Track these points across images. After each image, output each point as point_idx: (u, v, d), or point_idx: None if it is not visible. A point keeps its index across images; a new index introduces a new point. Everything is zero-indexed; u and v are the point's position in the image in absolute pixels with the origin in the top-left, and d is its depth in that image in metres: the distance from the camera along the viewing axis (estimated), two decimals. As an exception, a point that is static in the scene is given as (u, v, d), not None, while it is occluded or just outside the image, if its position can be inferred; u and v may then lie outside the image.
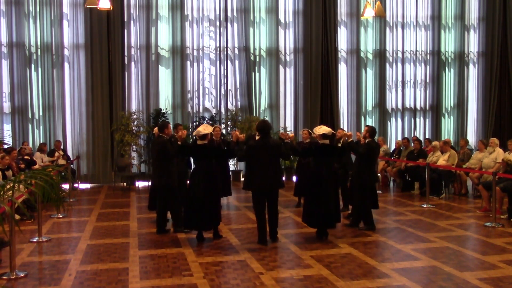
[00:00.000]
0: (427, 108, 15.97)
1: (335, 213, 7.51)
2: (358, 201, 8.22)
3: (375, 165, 8.48)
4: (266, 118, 14.51)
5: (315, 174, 7.50)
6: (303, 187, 9.86)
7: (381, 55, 15.46)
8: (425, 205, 10.25)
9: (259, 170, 7.20)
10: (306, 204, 7.62)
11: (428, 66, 15.90)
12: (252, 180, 7.29)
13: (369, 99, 15.57)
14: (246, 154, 7.38)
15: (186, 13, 14.32)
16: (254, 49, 14.71)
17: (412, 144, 12.90)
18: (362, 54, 15.40)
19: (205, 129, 7.45)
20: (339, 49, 15.21)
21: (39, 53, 13.62)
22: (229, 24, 14.60)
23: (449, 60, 16.01)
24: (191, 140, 10.38)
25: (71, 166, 12.97)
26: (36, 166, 10.83)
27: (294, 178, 11.54)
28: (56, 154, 12.60)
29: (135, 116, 13.60)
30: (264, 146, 7.22)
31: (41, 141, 13.37)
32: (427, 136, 15.52)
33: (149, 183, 10.05)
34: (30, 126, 13.67)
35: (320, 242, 7.37)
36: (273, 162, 7.26)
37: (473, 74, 16.28)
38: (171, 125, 9.02)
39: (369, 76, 15.54)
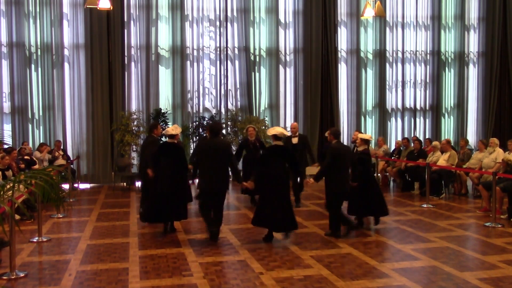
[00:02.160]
0: (427, 108, 15.97)
1: (286, 218, 7.18)
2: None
3: (343, 170, 7.54)
4: (266, 118, 14.55)
5: (267, 175, 7.26)
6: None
7: (381, 55, 15.46)
8: (425, 205, 10.25)
9: (207, 172, 7.17)
10: (258, 205, 7.39)
11: (428, 66, 15.91)
12: (200, 182, 7.30)
13: (369, 99, 15.57)
14: (196, 155, 7.50)
15: (186, 13, 14.32)
16: (254, 49, 14.71)
17: (412, 144, 12.90)
18: (362, 54, 15.40)
19: (173, 129, 7.76)
20: (339, 49, 15.21)
21: (39, 53, 13.62)
22: (229, 24, 14.60)
23: (449, 60, 16.01)
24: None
25: (71, 166, 12.97)
26: (36, 166, 10.83)
27: None
28: (57, 153, 12.58)
29: (135, 116, 13.61)
30: (212, 147, 7.20)
31: (41, 141, 13.36)
32: (427, 136, 15.52)
33: None
34: (30, 126, 13.67)
35: (321, 242, 7.36)
36: (220, 164, 7.18)
37: (473, 74, 16.28)
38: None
39: (369, 76, 15.54)
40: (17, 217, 8.24)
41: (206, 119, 14.19)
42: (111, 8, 10.67)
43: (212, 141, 7.35)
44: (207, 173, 7.22)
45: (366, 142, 8.36)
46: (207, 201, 7.35)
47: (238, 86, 14.73)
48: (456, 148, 12.98)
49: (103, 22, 13.71)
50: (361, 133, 8.67)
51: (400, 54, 15.72)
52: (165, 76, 14.39)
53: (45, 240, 7.61)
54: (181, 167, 7.76)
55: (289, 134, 7.61)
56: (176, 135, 7.82)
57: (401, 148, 13.28)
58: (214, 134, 7.37)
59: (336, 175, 7.47)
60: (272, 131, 7.44)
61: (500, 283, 5.62)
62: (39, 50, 13.62)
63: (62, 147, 13.22)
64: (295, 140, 10.13)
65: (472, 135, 16.25)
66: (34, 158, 11.56)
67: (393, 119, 15.80)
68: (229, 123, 14.47)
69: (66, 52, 13.83)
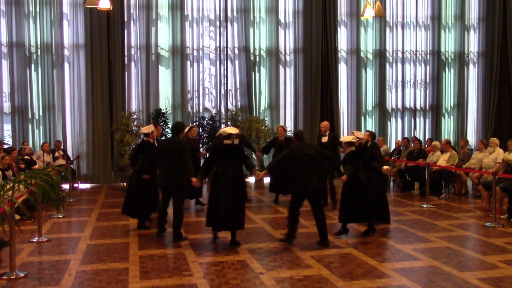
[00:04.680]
0: (427, 108, 15.97)
1: (236, 216, 7.09)
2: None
3: (300, 170, 7.13)
4: (266, 118, 14.56)
5: (215, 174, 7.29)
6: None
7: (381, 55, 15.45)
8: (425, 205, 10.25)
9: (164, 167, 7.64)
10: (208, 205, 7.40)
11: (428, 66, 15.90)
12: (159, 176, 7.84)
13: (369, 99, 15.57)
14: (157, 153, 7.85)
15: (186, 13, 14.32)
16: (254, 49, 14.71)
17: (412, 144, 12.90)
18: (362, 54, 15.40)
19: (147, 128, 8.50)
20: (339, 49, 15.20)
21: (39, 53, 13.61)
22: (229, 24, 14.59)
23: (449, 60, 16.00)
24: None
25: (71, 166, 12.97)
26: (36, 166, 10.82)
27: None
28: (57, 154, 12.58)
29: (135, 116, 13.61)
30: (170, 144, 7.63)
31: (41, 141, 13.37)
32: (427, 136, 15.53)
33: None
34: (30, 126, 13.67)
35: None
36: (176, 160, 7.50)
37: (473, 74, 16.28)
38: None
39: (369, 76, 15.54)
40: (17, 217, 8.23)
41: (206, 119, 14.19)
42: (111, 8, 10.66)
43: (171, 139, 7.78)
44: (165, 169, 7.65)
45: (351, 144, 7.81)
46: (163, 198, 7.77)
47: (238, 86, 14.72)
48: (456, 148, 12.98)
49: (103, 22, 13.71)
50: (358, 132, 8.39)
51: (400, 54, 15.71)
52: (165, 76, 14.38)
53: (45, 240, 7.61)
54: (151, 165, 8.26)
55: (237, 131, 7.58)
56: (149, 134, 8.40)
57: (401, 148, 13.28)
58: (175, 132, 7.78)
59: (296, 175, 7.19)
60: (220, 130, 7.58)
61: (500, 283, 5.62)
62: (39, 50, 13.61)
63: (62, 147, 13.22)
64: (324, 139, 9.82)
65: (472, 135, 16.24)
66: (34, 158, 11.57)
67: (393, 119, 15.80)
68: (229, 123, 14.46)
69: (66, 52, 13.83)
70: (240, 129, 11.98)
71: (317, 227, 7.29)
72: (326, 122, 10.51)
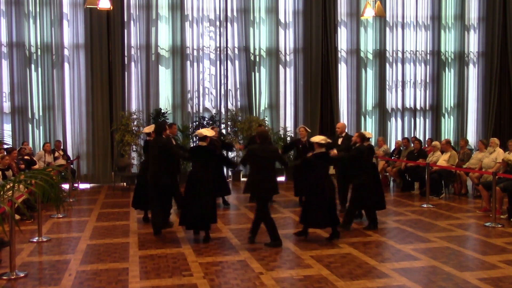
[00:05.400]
0: (427, 108, 15.97)
1: (209, 214, 7.37)
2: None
3: (257, 173, 7.23)
4: (266, 118, 14.56)
5: (191, 175, 7.51)
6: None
7: (381, 55, 15.46)
8: (425, 205, 10.25)
9: (151, 166, 7.94)
10: (183, 205, 7.58)
11: (428, 66, 15.90)
12: (149, 175, 8.01)
13: (369, 99, 15.57)
14: (145, 151, 8.21)
15: (186, 13, 14.32)
16: (254, 49, 14.71)
17: (412, 144, 12.90)
18: (362, 54, 15.40)
19: (148, 128, 8.77)
20: (339, 49, 15.20)
21: (39, 53, 13.61)
22: (229, 24, 14.60)
23: (449, 60, 16.01)
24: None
25: (71, 166, 12.97)
26: (36, 166, 10.83)
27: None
28: (57, 154, 12.58)
29: (135, 116, 13.61)
30: (155, 144, 7.91)
31: (41, 141, 13.39)
32: (427, 136, 15.54)
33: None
34: (30, 126, 13.67)
35: (321, 242, 7.36)
36: (161, 159, 7.77)
37: (473, 74, 16.28)
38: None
39: (369, 76, 15.54)
40: (17, 217, 8.23)
41: (206, 119, 14.19)
42: (111, 8, 10.67)
43: (156, 139, 7.99)
44: (151, 167, 7.94)
45: (321, 145, 7.48)
46: (153, 196, 7.95)
47: (238, 86, 14.72)
48: (456, 148, 12.99)
49: (103, 22, 13.71)
50: (366, 132, 8.26)
51: (400, 54, 15.71)
52: (165, 76, 14.38)
53: (45, 240, 7.61)
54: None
55: (214, 134, 7.77)
56: (151, 133, 8.53)
57: (401, 148, 13.28)
58: (157, 133, 7.98)
59: (253, 176, 7.28)
60: (197, 131, 7.73)
61: (500, 283, 5.62)
62: (39, 50, 13.61)
63: (62, 147, 13.22)
64: (339, 141, 9.40)
65: (472, 135, 16.24)
66: (36, 159, 11.57)
67: (393, 119, 15.80)
68: (229, 123, 14.47)
69: (66, 52, 13.83)
70: (239, 130, 11.76)
71: (253, 224, 7.40)
72: (342, 123, 10.28)
